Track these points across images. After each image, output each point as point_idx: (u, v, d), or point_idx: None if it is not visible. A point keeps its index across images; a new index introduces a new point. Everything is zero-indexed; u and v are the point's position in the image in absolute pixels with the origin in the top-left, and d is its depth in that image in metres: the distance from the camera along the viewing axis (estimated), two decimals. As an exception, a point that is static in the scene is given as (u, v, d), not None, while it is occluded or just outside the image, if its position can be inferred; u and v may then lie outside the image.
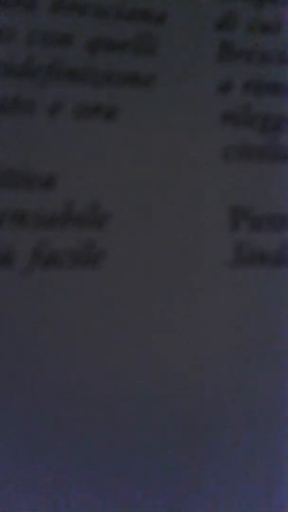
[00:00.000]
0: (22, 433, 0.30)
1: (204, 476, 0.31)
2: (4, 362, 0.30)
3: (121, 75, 0.32)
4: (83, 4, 0.32)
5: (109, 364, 0.31)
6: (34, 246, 0.31)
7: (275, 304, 0.33)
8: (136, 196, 0.32)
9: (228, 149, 0.33)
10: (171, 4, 0.33)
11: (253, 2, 0.34)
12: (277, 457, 0.32)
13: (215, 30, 0.33)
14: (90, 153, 0.31)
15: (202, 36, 0.33)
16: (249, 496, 0.31)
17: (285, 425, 0.32)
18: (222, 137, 0.33)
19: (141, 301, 0.31)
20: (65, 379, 0.30)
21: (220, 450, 0.31)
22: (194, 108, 0.32)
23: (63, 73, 0.31)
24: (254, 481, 0.32)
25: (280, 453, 0.32)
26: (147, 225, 0.32)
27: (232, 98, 0.33)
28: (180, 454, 0.31)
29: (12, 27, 0.31)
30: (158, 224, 0.32)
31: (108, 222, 0.31)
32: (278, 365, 0.32)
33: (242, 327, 0.32)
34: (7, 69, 0.31)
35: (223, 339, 0.32)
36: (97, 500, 0.30)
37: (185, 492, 0.31)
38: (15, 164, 0.31)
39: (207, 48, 0.33)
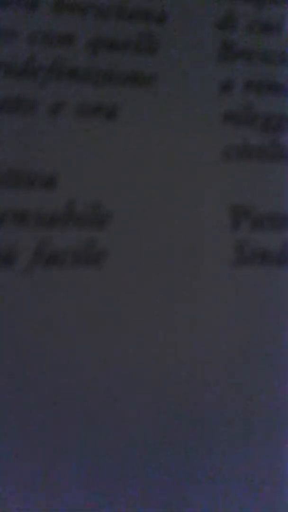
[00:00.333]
0: (22, 432, 0.30)
1: (204, 475, 0.31)
2: (5, 362, 0.30)
3: (122, 74, 0.32)
4: (84, 4, 0.32)
5: (110, 364, 0.31)
6: (35, 245, 0.31)
7: (277, 303, 0.33)
8: (137, 195, 0.32)
9: (229, 149, 0.33)
10: (172, 4, 0.33)
11: (253, 2, 0.34)
12: (277, 457, 0.32)
13: (216, 30, 0.33)
14: (91, 152, 0.31)
15: (203, 36, 0.33)
16: (249, 496, 0.31)
17: (285, 425, 0.32)
18: (223, 137, 0.33)
19: (142, 301, 0.31)
20: (65, 379, 0.30)
21: (220, 449, 0.31)
22: (195, 107, 0.32)
23: (64, 73, 0.31)
24: (254, 481, 0.32)
25: (280, 453, 0.32)
26: (148, 224, 0.32)
27: (233, 98, 0.33)
28: (180, 454, 0.31)
29: (13, 27, 0.31)
30: (159, 224, 0.32)
31: (109, 222, 0.31)
32: (280, 365, 0.32)
33: (243, 327, 0.32)
34: (8, 68, 0.31)
35: (225, 338, 0.32)
36: (97, 500, 0.30)
37: (185, 492, 0.31)
38: (16, 163, 0.31)
39: (208, 48, 0.33)
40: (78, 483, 0.30)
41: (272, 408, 0.32)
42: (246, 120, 0.33)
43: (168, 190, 0.32)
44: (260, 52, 0.33)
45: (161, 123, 0.32)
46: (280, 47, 0.33)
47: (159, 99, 0.32)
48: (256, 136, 0.33)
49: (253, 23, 0.33)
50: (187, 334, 0.32)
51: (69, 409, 0.30)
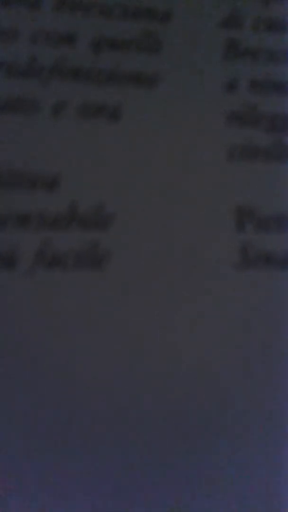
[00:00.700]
0: (22, 432, 0.30)
1: (204, 476, 0.31)
2: (8, 363, 0.30)
3: (125, 74, 0.32)
4: (87, 3, 0.32)
5: (112, 365, 0.31)
6: (37, 247, 0.31)
7: (281, 306, 0.32)
8: (140, 196, 0.31)
9: (233, 149, 0.32)
10: (176, 3, 0.32)
11: (258, 1, 0.33)
12: (277, 457, 0.32)
13: (221, 28, 0.33)
14: (94, 153, 0.31)
15: (207, 34, 0.33)
16: (249, 496, 0.31)
17: (285, 426, 0.32)
18: (227, 137, 0.32)
19: (144, 302, 0.31)
20: (67, 380, 0.30)
21: (220, 450, 0.31)
22: (199, 107, 0.32)
23: (66, 73, 0.31)
24: (254, 481, 0.32)
25: (281, 453, 0.32)
26: (151, 226, 0.31)
27: (238, 97, 0.33)
28: (180, 454, 0.31)
29: (15, 26, 0.31)
30: (162, 225, 0.32)
31: (112, 223, 0.31)
32: (283, 367, 0.32)
33: (247, 329, 0.32)
34: (10, 68, 0.31)
35: (228, 340, 0.32)
36: (97, 500, 0.30)
37: (185, 492, 0.31)
38: (18, 164, 0.31)
39: (213, 47, 0.33)
40: (78, 484, 0.30)
41: (273, 410, 0.32)
42: (251, 120, 0.33)
43: (171, 191, 0.32)
44: (265, 51, 0.33)
45: (164, 123, 0.32)
46: (285, 46, 0.33)
47: (162, 99, 0.32)
48: (260, 136, 0.33)
49: (258, 22, 0.33)
50: (190, 336, 0.31)
51: (70, 410, 0.30)
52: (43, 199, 0.31)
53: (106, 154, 0.31)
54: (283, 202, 0.33)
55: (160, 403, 0.31)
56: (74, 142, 0.31)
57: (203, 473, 0.31)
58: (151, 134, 0.32)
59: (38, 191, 0.31)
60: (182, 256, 0.32)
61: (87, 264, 0.31)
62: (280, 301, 0.32)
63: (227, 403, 0.32)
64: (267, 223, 0.32)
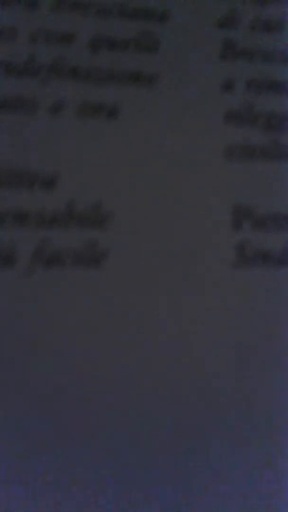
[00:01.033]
0: (22, 433, 0.30)
1: (204, 476, 0.31)
2: (6, 362, 0.30)
3: (123, 74, 0.32)
4: (85, 2, 0.32)
5: (110, 364, 0.31)
6: (35, 245, 0.31)
7: (278, 304, 0.32)
8: (138, 195, 0.32)
9: (231, 148, 0.32)
10: (173, 3, 0.32)
11: (255, 1, 0.33)
12: (277, 457, 0.32)
13: (218, 28, 0.33)
14: (92, 152, 0.31)
15: (205, 34, 0.33)
16: (249, 496, 0.31)
17: (285, 425, 0.32)
18: (224, 136, 0.32)
19: (142, 301, 0.31)
20: (66, 379, 0.30)
21: (220, 450, 0.31)
22: (196, 107, 0.32)
23: (65, 72, 0.31)
24: (254, 481, 0.32)
25: (280, 453, 0.32)
26: (149, 224, 0.31)
27: (235, 97, 0.33)
28: (180, 454, 0.31)
29: (14, 25, 0.31)
30: (160, 224, 0.32)
31: (110, 222, 0.31)
32: (281, 366, 0.32)
33: (244, 327, 0.32)
34: (9, 67, 0.31)
35: (226, 338, 0.32)
36: (97, 500, 0.30)
37: (185, 492, 0.31)
38: (16, 163, 0.31)
39: (210, 47, 0.33)
40: (78, 483, 0.30)
41: (273, 409, 0.32)
42: (248, 119, 0.33)
43: (169, 190, 0.32)
44: (262, 51, 0.33)
45: (162, 123, 0.32)
46: (282, 46, 0.33)
47: (160, 98, 0.32)
48: (258, 136, 0.33)
49: (255, 22, 0.33)
50: (189, 334, 0.31)
51: (69, 409, 0.30)
52: (42, 197, 0.31)
53: (104, 153, 0.31)
54: (280, 201, 0.33)
55: (158, 402, 0.31)
56: (72, 141, 0.31)
57: (203, 473, 0.31)
58: (149, 133, 0.32)
59: (36, 190, 0.31)
60: (180, 255, 0.32)
61: (85, 262, 0.31)
62: (277, 299, 0.32)
63: (225, 401, 0.32)
64: (264, 222, 0.33)
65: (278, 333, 0.32)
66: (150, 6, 0.32)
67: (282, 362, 0.32)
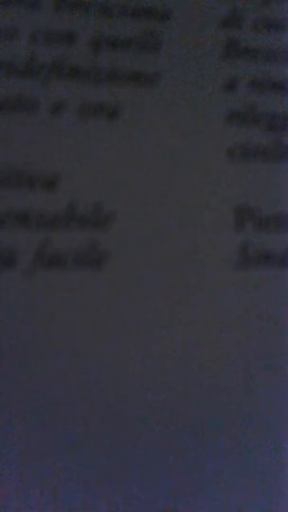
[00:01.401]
0: (22, 433, 0.30)
1: (204, 476, 0.31)
2: (7, 363, 0.30)
3: (124, 73, 0.32)
4: (86, 2, 0.32)
5: (111, 365, 0.31)
6: (36, 246, 0.30)
7: (280, 305, 0.32)
8: (139, 196, 0.31)
9: (232, 149, 0.32)
10: (175, 2, 0.32)
11: (258, 0, 0.33)
12: (277, 457, 0.32)
13: (220, 28, 0.33)
14: (93, 152, 0.31)
15: (207, 34, 0.33)
16: (249, 496, 0.31)
17: (285, 426, 0.32)
18: (227, 136, 0.32)
19: (144, 303, 0.31)
20: (66, 380, 0.30)
21: (220, 450, 0.31)
22: (198, 107, 0.32)
23: (66, 72, 0.31)
24: (254, 481, 0.32)
25: (280, 453, 0.32)
26: (151, 225, 0.31)
27: (237, 97, 0.33)
28: (180, 454, 0.31)
29: (14, 25, 0.31)
30: (162, 225, 0.31)
31: (111, 223, 0.31)
32: (283, 366, 0.32)
33: (246, 329, 0.32)
34: (9, 67, 0.31)
35: (228, 339, 0.32)
36: (97, 500, 0.30)
37: (185, 492, 0.31)
38: (17, 163, 0.31)
39: (212, 46, 0.33)
40: (78, 483, 0.30)
41: (272, 410, 0.32)
42: (250, 119, 0.33)
43: (170, 190, 0.32)
44: (264, 50, 0.33)
45: (163, 123, 0.32)
46: (285, 46, 0.33)
47: (162, 98, 0.32)
48: (260, 136, 0.33)
49: (257, 21, 0.33)
50: (190, 336, 0.31)
51: (69, 410, 0.30)
52: (43, 198, 0.31)
53: (105, 153, 0.31)
54: (283, 201, 0.33)
55: (159, 402, 0.31)
56: (73, 141, 0.31)
57: (203, 473, 0.31)
58: (150, 134, 0.32)
59: (37, 190, 0.31)
60: (182, 256, 0.32)
61: (86, 263, 0.31)
62: (279, 300, 0.32)
63: (226, 402, 0.31)
64: (267, 223, 0.32)
65: (280, 333, 0.32)
66: (151, 6, 0.32)
67: (284, 362, 0.32)
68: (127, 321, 0.31)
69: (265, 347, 0.32)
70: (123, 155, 0.31)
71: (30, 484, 0.30)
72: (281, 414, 0.32)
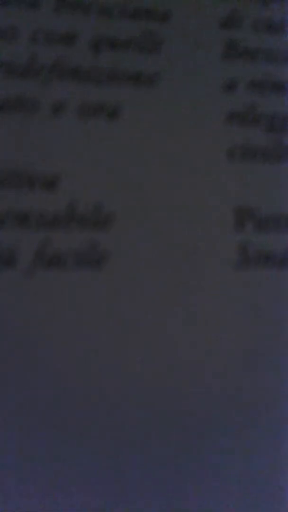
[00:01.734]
0: (22, 433, 0.30)
1: (204, 475, 0.31)
2: (7, 363, 0.30)
3: (125, 74, 0.32)
4: (87, 2, 0.32)
5: (111, 365, 0.31)
6: (37, 246, 0.30)
7: (280, 306, 0.32)
8: (139, 196, 0.31)
9: (232, 149, 0.32)
10: (175, 3, 0.32)
11: (258, 1, 0.33)
12: (277, 457, 0.32)
13: (220, 29, 0.33)
14: (93, 152, 0.31)
15: (207, 35, 0.33)
16: (249, 496, 0.31)
17: (285, 425, 0.32)
18: (226, 137, 0.32)
19: (144, 302, 0.31)
20: (67, 380, 0.30)
21: (220, 450, 0.31)
22: (198, 107, 0.32)
23: (66, 72, 0.31)
24: (254, 481, 0.32)
25: (280, 453, 0.32)
26: (151, 225, 0.31)
27: (237, 98, 0.33)
28: (180, 454, 0.31)
29: (15, 26, 0.31)
30: (162, 225, 0.31)
31: (112, 223, 0.31)
32: (283, 368, 0.32)
33: (246, 329, 0.32)
34: (9, 68, 0.31)
35: (228, 339, 0.32)
36: (97, 500, 0.30)
37: (185, 492, 0.31)
38: (17, 164, 0.31)
39: (212, 47, 0.33)
40: (78, 484, 0.30)
41: (273, 409, 0.32)
42: (250, 120, 0.33)
43: (170, 190, 0.32)
44: (264, 51, 0.33)
45: (164, 123, 0.32)
46: (285, 46, 0.33)
47: (162, 99, 0.32)
48: (260, 136, 0.33)
49: (257, 22, 0.33)
50: (189, 335, 0.31)
51: (69, 409, 0.30)
52: (43, 198, 0.31)
53: (105, 154, 0.31)
54: (283, 202, 0.33)
55: (159, 402, 0.31)
56: (73, 142, 0.31)
57: (205, 470, 0.31)
58: (151, 134, 0.32)
59: (37, 190, 0.31)
60: (181, 256, 0.32)
61: (86, 263, 0.31)
62: (279, 301, 0.32)
63: (226, 401, 0.31)
64: (266, 223, 0.32)
65: (280, 333, 0.32)
66: (151, 6, 0.32)
67: (284, 362, 0.32)
68: (127, 321, 0.31)
69: (265, 347, 0.32)
70: (123, 155, 0.31)
71: (30, 484, 0.30)
72: (281, 414, 0.32)
